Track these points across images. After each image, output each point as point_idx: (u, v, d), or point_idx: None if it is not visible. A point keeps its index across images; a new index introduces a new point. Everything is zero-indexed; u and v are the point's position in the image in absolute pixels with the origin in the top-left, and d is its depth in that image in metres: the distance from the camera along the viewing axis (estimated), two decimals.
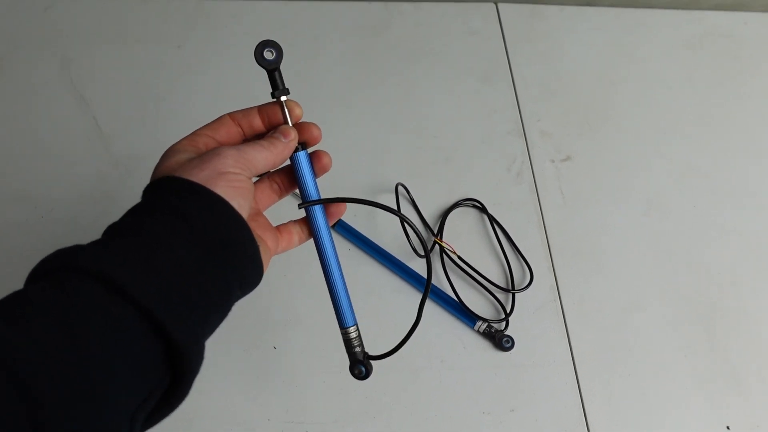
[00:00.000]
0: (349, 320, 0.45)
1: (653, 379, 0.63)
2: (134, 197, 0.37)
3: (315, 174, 0.44)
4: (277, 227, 0.45)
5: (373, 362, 0.46)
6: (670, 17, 0.91)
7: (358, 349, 0.45)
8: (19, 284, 0.32)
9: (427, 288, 0.44)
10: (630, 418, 0.61)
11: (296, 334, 0.62)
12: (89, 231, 0.65)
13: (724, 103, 0.83)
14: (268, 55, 0.41)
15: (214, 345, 0.62)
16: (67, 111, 0.73)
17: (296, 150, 0.43)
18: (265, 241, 0.42)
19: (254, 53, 0.41)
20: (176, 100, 0.75)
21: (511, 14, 0.87)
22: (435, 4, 0.88)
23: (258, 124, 0.43)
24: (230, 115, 0.42)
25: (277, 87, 0.42)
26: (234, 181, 0.37)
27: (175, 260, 0.32)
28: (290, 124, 0.42)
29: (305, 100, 0.77)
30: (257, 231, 0.42)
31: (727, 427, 0.61)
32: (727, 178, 0.77)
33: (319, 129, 0.44)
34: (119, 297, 0.30)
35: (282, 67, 0.42)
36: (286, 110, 0.42)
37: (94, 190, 0.68)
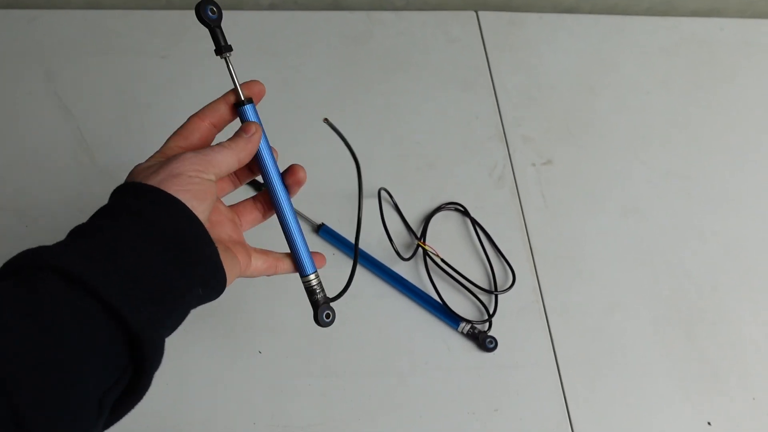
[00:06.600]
0: (309, 268, 0.46)
1: (635, 377, 0.64)
2: None
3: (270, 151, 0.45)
4: (236, 207, 0.47)
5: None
6: (648, 24, 0.93)
7: (320, 296, 0.47)
8: None
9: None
10: (613, 415, 0.61)
11: (281, 339, 0.62)
12: None
13: (701, 107, 0.85)
14: (211, 13, 0.42)
15: (200, 350, 0.63)
16: (52, 122, 0.74)
17: (243, 104, 0.43)
18: (235, 254, 0.42)
19: (196, 10, 0.42)
20: (160, 111, 0.76)
21: (491, 22, 0.89)
22: (416, 12, 0.89)
23: (225, 112, 0.44)
24: (196, 115, 0.44)
25: (220, 43, 0.43)
26: (188, 183, 0.38)
27: (132, 255, 0.34)
28: (239, 83, 0.43)
29: (291, 107, 0.78)
30: (227, 244, 0.43)
31: (708, 423, 0.61)
32: (705, 182, 0.78)
33: (262, 84, 0.45)
34: (81, 289, 0.31)
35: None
36: (231, 67, 0.43)
37: (79, 199, 0.69)
